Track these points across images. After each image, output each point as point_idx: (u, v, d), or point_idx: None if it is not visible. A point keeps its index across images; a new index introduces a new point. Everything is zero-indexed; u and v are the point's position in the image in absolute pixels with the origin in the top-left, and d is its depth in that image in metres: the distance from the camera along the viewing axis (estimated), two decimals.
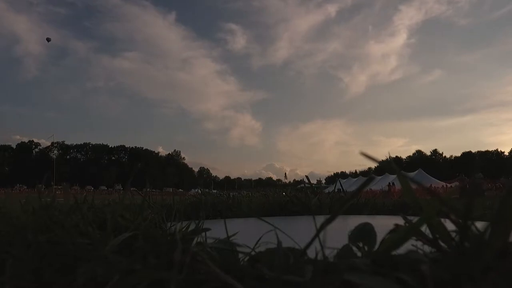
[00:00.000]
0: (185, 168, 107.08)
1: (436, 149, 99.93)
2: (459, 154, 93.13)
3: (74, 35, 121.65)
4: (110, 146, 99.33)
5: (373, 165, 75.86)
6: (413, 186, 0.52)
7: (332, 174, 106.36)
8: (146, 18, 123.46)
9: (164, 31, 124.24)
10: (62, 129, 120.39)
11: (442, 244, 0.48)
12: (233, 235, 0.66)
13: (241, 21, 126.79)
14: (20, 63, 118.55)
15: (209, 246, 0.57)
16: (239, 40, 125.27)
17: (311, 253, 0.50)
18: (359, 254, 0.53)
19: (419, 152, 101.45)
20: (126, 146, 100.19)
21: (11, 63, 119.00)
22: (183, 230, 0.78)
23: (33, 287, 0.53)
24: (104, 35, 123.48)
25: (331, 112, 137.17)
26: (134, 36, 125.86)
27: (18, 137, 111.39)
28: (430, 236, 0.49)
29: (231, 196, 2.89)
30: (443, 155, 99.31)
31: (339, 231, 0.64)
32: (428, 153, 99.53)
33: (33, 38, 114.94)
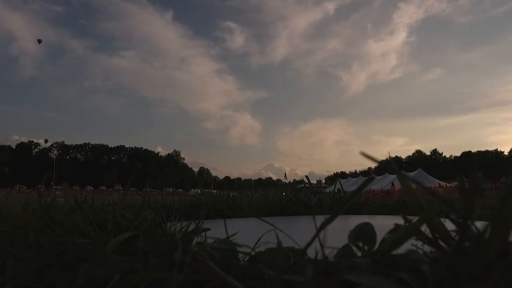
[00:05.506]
0: (185, 168, 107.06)
1: (436, 149, 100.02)
2: (459, 154, 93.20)
3: (71, 33, 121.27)
4: (110, 146, 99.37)
5: (373, 165, 75.98)
6: (413, 186, 0.52)
7: (332, 174, 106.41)
8: (143, 17, 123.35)
9: (162, 29, 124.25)
10: (62, 129, 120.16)
11: (442, 243, 0.48)
12: (233, 235, 0.66)
13: (239, 19, 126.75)
14: (17, 62, 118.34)
15: (209, 246, 0.57)
16: (237, 39, 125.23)
17: (311, 253, 0.50)
18: (359, 254, 0.53)
19: (419, 152, 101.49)
20: (126, 146, 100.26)
21: (7, 62, 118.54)
22: (183, 230, 0.78)
23: (34, 287, 0.53)
24: (101, 33, 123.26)
25: (331, 112, 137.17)
26: (132, 34, 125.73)
27: (16, 137, 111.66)
28: (430, 236, 0.49)
29: (231, 196, 2.89)
30: (443, 155, 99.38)
31: (339, 231, 0.64)
32: (428, 153, 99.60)
33: (29, 36, 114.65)
